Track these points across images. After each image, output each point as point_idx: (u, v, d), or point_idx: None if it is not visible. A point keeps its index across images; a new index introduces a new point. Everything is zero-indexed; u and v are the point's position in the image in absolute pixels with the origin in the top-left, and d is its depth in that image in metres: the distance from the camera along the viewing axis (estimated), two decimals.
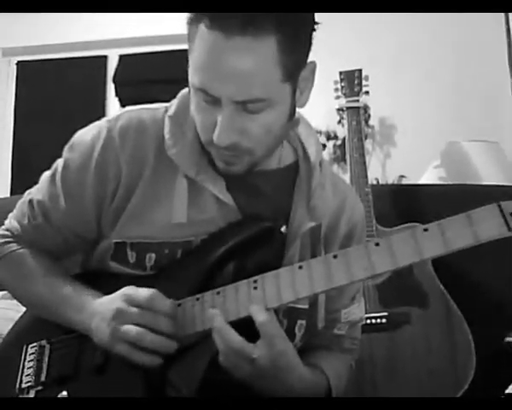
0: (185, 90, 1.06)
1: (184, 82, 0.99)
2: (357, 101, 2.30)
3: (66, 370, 1.02)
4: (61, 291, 1.06)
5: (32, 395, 1.02)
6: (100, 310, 0.99)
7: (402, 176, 3.08)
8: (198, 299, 0.98)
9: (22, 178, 3.58)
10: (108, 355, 0.98)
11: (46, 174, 1.12)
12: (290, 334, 1.04)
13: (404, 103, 3.19)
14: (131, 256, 1.04)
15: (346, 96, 2.32)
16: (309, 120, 1.15)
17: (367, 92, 2.36)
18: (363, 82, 2.33)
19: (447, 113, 3.12)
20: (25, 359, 1.07)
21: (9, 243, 1.14)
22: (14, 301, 1.18)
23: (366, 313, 1.76)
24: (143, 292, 0.96)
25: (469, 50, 3.13)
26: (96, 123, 1.08)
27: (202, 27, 0.89)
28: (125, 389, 0.95)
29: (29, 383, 1.04)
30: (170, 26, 2.73)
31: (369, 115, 3.18)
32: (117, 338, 0.95)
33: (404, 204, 2.20)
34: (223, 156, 0.98)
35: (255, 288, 0.94)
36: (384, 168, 3.27)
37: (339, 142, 3.23)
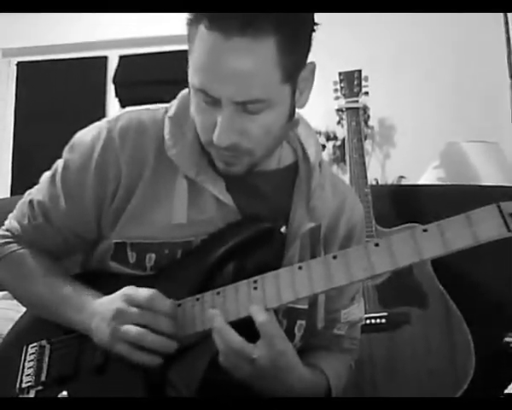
0: (185, 91, 1.06)
1: (184, 83, 0.99)
2: (357, 101, 2.30)
3: (67, 370, 1.02)
4: (61, 291, 1.07)
5: (32, 395, 1.02)
6: (100, 310, 0.99)
7: (401, 176, 3.07)
8: (198, 299, 0.98)
9: (22, 178, 3.57)
10: (108, 355, 0.98)
11: (46, 175, 1.12)
12: (290, 334, 1.04)
13: (404, 104, 3.19)
14: (131, 256, 1.04)
15: (345, 96, 2.32)
16: (308, 120, 1.15)
17: (366, 93, 2.35)
18: (363, 82, 2.33)
19: (447, 113, 3.12)
20: (25, 359, 1.07)
21: (9, 243, 1.14)
22: (15, 302, 1.18)
23: (366, 314, 1.76)
24: (143, 292, 0.96)
25: (469, 50, 3.13)
26: (96, 124, 1.08)
27: (202, 28, 0.89)
28: (125, 389, 0.95)
29: (29, 383, 1.04)
30: (170, 27, 2.72)
31: (369, 116, 3.17)
32: (117, 338, 0.95)
33: (404, 205, 2.20)
34: (222, 157, 0.99)
35: (255, 288, 0.94)
36: (383, 169, 3.27)
37: (338, 142, 3.23)
